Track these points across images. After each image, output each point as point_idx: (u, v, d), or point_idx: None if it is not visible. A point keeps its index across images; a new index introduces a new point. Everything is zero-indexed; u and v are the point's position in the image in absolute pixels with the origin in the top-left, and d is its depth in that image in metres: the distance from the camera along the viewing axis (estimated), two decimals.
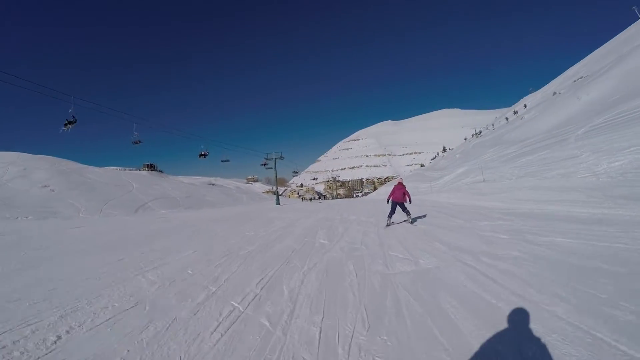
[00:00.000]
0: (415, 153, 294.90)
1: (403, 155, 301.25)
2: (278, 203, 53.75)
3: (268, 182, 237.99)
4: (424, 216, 14.39)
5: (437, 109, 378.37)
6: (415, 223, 12.07)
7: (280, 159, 55.40)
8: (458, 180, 37.45)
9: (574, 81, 64.38)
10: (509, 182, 21.65)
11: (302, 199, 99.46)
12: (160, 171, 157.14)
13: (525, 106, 77.22)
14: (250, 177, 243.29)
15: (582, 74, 65.24)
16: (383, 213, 16.31)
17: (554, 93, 67.75)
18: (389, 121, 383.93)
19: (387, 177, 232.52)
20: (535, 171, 21.42)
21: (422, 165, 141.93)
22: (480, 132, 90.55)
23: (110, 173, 64.96)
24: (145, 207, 45.17)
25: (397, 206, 11.80)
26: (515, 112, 78.55)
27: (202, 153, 38.96)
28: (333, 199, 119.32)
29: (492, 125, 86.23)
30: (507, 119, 78.26)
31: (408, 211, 11.97)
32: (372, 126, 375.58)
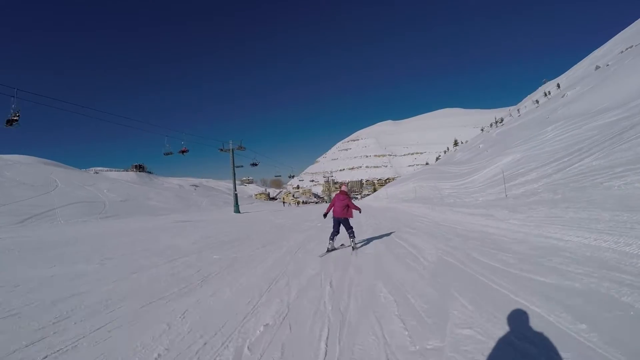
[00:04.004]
0: (417, 153, 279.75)
1: (404, 155, 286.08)
2: (237, 211, 37.83)
3: (264, 183, 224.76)
4: None
5: (438, 109, 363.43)
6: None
7: (239, 149, 39.55)
8: (513, 174, 21.99)
9: (621, 52, 58.58)
10: None
11: (284, 202, 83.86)
12: (150, 172, 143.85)
13: (558, 86, 68.37)
14: (244, 178, 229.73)
15: (626, 46, 60.40)
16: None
17: (597, 67, 60.16)
18: (389, 121, 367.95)
19: (387, 179, 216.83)
20: None
21: (427, 164, 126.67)
22: (502, 120, 78.30)
23: (39, 170, 49.58)
24: (47, 214, 31.45)
25: (340, 224, 8.30)
26: (547, 94, 69.13)
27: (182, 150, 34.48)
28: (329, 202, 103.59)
29: (518, 111, 75.47)
30: (537, 101, 68.65)
31: (352, 231, 8.34)
32: (371, 126, 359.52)
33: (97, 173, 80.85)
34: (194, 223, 20.82)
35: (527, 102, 79.73)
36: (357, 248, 8.34)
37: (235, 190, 40.21)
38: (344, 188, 8.99)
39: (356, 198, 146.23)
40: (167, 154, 35.12)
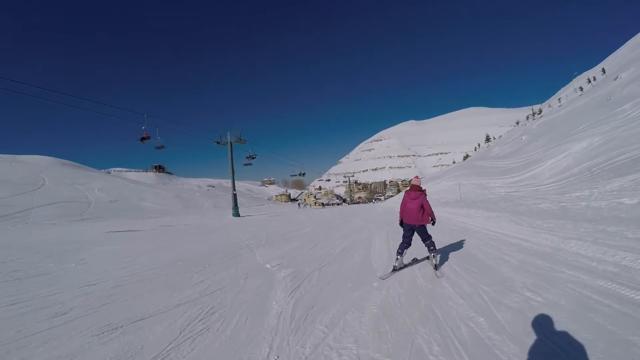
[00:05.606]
0: (442, 153, 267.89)
1: (428, 155, 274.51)
2: (237, 214, 30.77)
3: (285, 184, 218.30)
4: None
5: (462, 108, 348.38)
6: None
7: (238, 141, 32.33)
8: (613, 161, 14.20)
9: None
10: None
11: (300, 204, 77.00)
12: (169, 172, 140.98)
13: (603, 71, 62.99)
14: (266, 179, 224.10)
15: None
16: None
17: None
18: (412, 121, 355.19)
19: (411, 179, 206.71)
20: None
21: (454, 162, 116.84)
22: (540, 112, 71.69)
23: (30, 169, 44.85)
24: (16, 215, 27.04)
25: (415, 232, 5.77)
26: (590, 81, 62.78)
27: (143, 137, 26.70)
28: (350, 204, 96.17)
29: (558, 100, 68.13)
30: (581, 88, 62.34)
31: (431, 242, 5.72)
32: (395, 126, 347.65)
33: (109, 173, 76.50)
34: (143, 232, 13.78)
35: (564, 93, 73.25)
36: (439, 268, 5.59)
37: (234, 190, 33.01)
38: (415, 181, 5.91)
39: (379, 199, 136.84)
40: (159, 147, 28.60)
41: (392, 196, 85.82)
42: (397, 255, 5.78)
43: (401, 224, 5.94)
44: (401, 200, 5.94)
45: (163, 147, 28.55)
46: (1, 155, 49.58)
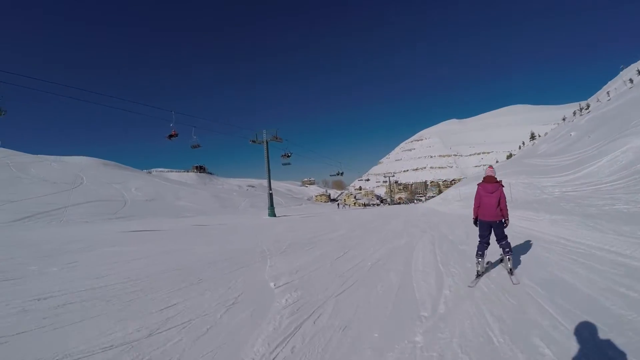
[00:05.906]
0: (484, 153, 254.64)
1: (470, 155, 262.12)
2: (273, 214, 29.71)
3: (325, 184, 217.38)
4: None
5: (504, 106, 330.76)
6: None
7: (275, 140, 31.20)
8: None
9: None
10: None
11: (339, 204, 75.46)
12: (210, 173, 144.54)
13: None
14: (306, 179, 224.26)
15: None
16: None
17: None
18: (454, 119, 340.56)
19: (453, 180, 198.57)
20: None
21: (497, 162, 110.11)
22: (588, 107, 65.60)
23: (68, 168, 46.52)
24: (52, 213, 26.92)
25: (492, 230, 5.25)
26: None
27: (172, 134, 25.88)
28: (390, 204, 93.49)
29: (607, 94, 62.81)
30: (631, 80, 57.69)
31: (507, 242, 5.18)
32: (436, 125, 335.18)
33: (149, 173, 78.85)
34: (164, 232, 12.72)
35: (612, 87, 66.58)
36: (514, 272, 5.06)
37: (270, 190, 31.92)
38: (490, 172, 5.29)
39: (420, 200, 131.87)
40: (195, 146, 28.29)
41: (433, 197, 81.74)
42: (478, 259, 5.21)
43: (475, 222, 5.44)
44: (475, 194, 5.30)
45: (199, 146, 28.23)
46: (45, 156, 51.80)
